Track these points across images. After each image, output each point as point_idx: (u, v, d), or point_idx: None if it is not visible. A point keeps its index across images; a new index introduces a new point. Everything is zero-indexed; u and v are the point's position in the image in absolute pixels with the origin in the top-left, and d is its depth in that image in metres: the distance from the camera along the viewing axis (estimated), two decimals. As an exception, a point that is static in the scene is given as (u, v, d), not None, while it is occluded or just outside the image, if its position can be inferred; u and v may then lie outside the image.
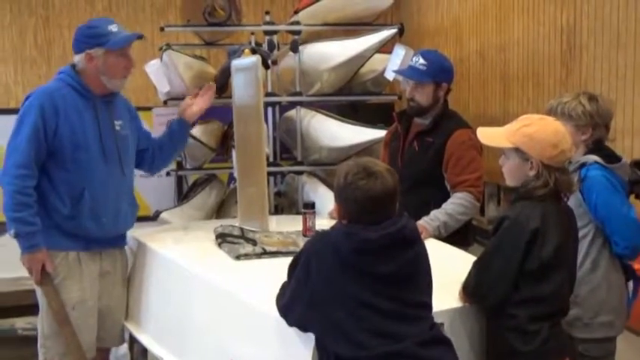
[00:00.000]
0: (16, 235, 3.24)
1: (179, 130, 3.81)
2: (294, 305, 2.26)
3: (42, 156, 3.26)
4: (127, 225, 3.58)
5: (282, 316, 2.32)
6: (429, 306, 2.31)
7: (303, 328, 2.27)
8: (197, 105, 3.82)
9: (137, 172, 3.76)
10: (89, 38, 3.35)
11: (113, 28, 3.37)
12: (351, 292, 2.18)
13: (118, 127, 3.45)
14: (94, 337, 3.43)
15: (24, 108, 3.31)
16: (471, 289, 2.50)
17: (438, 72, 3.72)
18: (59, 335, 3.34)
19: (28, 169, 3.22)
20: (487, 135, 2.63)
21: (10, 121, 3.39)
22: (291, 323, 2.30)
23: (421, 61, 3.69)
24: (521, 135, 2.48)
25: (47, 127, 3.24)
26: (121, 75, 3.41)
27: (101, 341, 3.49)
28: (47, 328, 3.37)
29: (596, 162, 2.82)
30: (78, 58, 3.38)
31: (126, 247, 3.72)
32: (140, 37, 3.50)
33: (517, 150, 2.48)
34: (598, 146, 2.89)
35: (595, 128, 2.89)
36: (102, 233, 3.40)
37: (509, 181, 2.58)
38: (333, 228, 2.33)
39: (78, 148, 3.30)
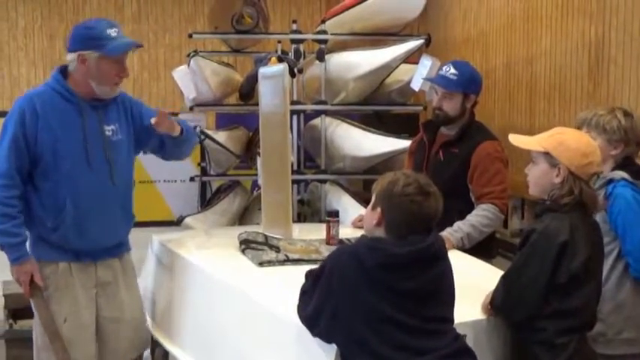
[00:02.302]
0: (1, 247, 3.12)
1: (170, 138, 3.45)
2: (318, 318, 2.24)
3: (24, 164, 3.11)
4: (118, 237, 3.37)
5: (306, 327, 2.31)
6: (451, 320, 2.30)
7: (327, 341, 2.27)
8: (162, 125, 3.35)
9: (160, 178, 3.71)
10: (85, 39, 3.16)
11: (112, 32, 3.16)
12: (375, 306, 2.17)
13: (108, 133, 3.24)
14: (92, 350, 3.27)
15: (8, 114, 3.18)
16: (500, 303, 2.48)
17: (468, 83, 3.72)
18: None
19: (10, 179, 3.08)
20: (519, 139, 2.66)
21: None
22: (314, 334, 2.29)
23: (452, 70, 3.70)
24: (553, 140, 2.50)
25: (28, 134, 3.10)
26: (111, 82, 3.21)
27: (113, 353, 3.35)
28: (40, 340, 3.25)
29: (624, 179, 2.80)
30: (70, 58, 3.19)
31: (149, 253, 3.71)
32: (139, 46, 3.32)
33: (547, 155, 2.48)
34: (626, 162, 2.88)
35: (627, 144, 2.87)
36: (88, 246, 3.23)
37: (533, 190, 2.57)
38: (357, 242, 2.33)
39: (59, 156, 3.13)
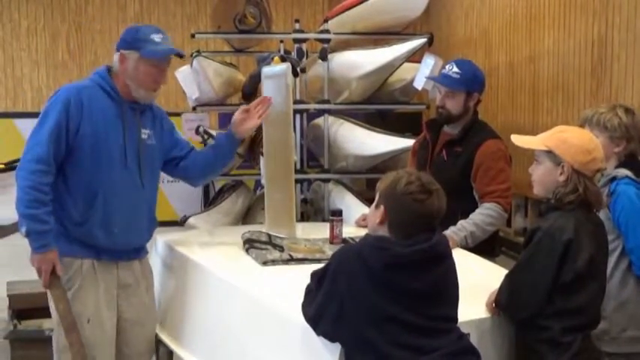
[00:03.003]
0: (28, 234, 3.04)
1: (227, 144, 3.57)
2: (323, 318, 2.25)
3: (61, 153, 3.10)
4: (141, 240, 3.37)
5: (310, 326, 2.31)
6: (455, 319, 2.31)
7: (332, 340, 2.27)
8: (252, 120, 3.55)
9: (164, 178, 3.69)
10: (129, 39, 3.23)
11: (157, 37, 3.22)
12: (379, 306, 2.17)
13: (144, 136, 3.28)
14: (112, 352, 3.24)
15: (50, 102, 3.15)
16: (505, 302, 2.48)
17: (471, 81, 3.72)
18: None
19: (46, 165, 3.05)
20: (521, 139, 2.66)
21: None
22: (319, 333, 2.29)
23: (455, 69, 3.70)
24: (555, 139, 2.50)
25: (70, 123, 3.09)
26: (147, 86, 3.23)
27: (129, 356, 3.31)
28: (61, 342, 3.16)
29: (627, 176, 2.80)
30: (115, 58, 3.25)
31: (153, 253, 3.70)
32: (180, 55, 3.33)
33: (550, 154, 2.49)
34: (630, 160, 2.88)
35: (629, 141, 2.88)
36: (112, 244, 3.20)
37: (538, 189, 2.57)
38: (361, 241, 2.33)
39: (97, 150, 3.14)
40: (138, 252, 3.37)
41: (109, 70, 3.27)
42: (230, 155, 3.64)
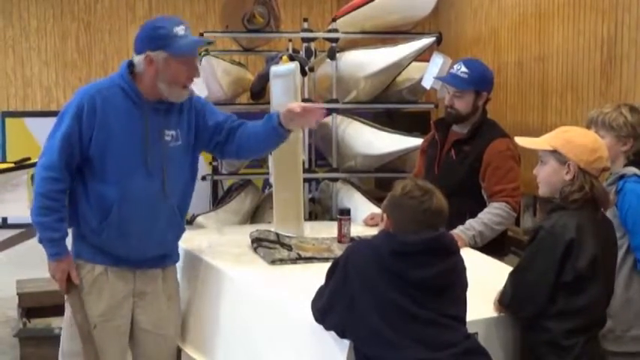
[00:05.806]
0: (40, 241, 2.98)
1: (275, 131, 3.18)
2: (333, 308, 2.27)
3: (75, 159, 2.96)
4: (163, 249, 3.17)
5: (318, 319, 2.33)
6: (462, 319, 2.31)
7: (341, 333, 2.28)
8: (306, 121, 3.23)
9: None
10: (152, 39, 2.96)
11: (180, 30, 2.95)
12: (389, 296, 2.20)
13: (167, 138, 3.05)
14: None
15: (66, 106, 3.01)
16: (508, 300, 2.48)
17: (480, 81, 3.70)
18: (78, 356, 3.02)
19: (56, 172, 2.93)
20: (526, 140, 2.67)
21: (52, 123, 3.11)
22: (328, 327, 2.31)
23: (463, 69, 3.68)
24: (561, 139, 2.51)
25: (83, 130, 2.93)
26: (180, 84, 2.99)
27: None
28: (67, 346, 3.09)
29: (635, 174, 2.80)
30: (137, 60, 2.98)
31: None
32: (209, 42, 3.16)
33: (555, 153, 2.49)
34: (638, 158, 2.88)
35: (636, 139, 2.88)
36: (129, 253, 3.06)
37: (543, 190, 2.57)
38: (374, 235, 2.39)
39: (112, 157, 2.96)
40: (162, 259, 3.19)
41: (130, 68, 3.03)
42: (276, 143, 3.29)
